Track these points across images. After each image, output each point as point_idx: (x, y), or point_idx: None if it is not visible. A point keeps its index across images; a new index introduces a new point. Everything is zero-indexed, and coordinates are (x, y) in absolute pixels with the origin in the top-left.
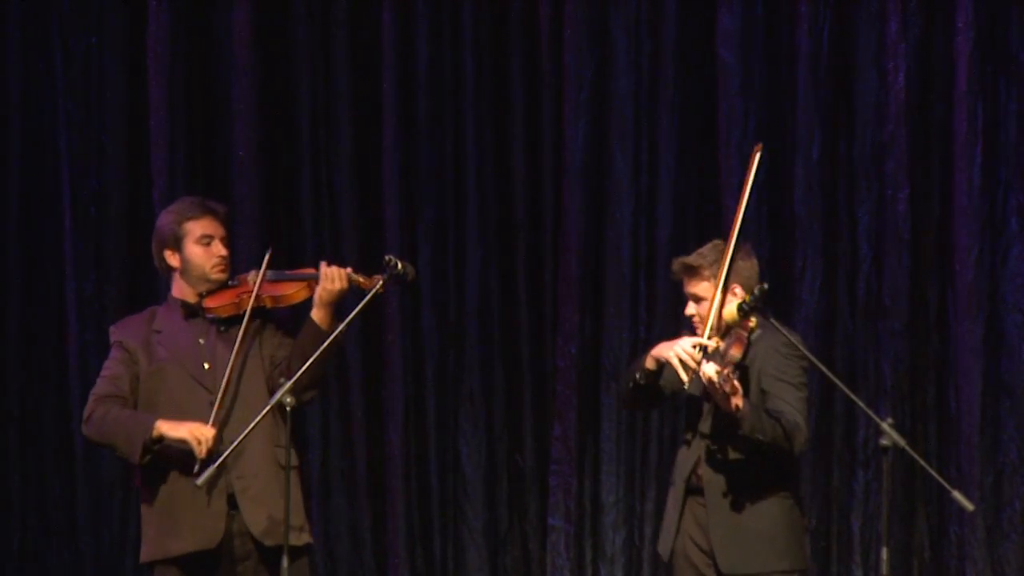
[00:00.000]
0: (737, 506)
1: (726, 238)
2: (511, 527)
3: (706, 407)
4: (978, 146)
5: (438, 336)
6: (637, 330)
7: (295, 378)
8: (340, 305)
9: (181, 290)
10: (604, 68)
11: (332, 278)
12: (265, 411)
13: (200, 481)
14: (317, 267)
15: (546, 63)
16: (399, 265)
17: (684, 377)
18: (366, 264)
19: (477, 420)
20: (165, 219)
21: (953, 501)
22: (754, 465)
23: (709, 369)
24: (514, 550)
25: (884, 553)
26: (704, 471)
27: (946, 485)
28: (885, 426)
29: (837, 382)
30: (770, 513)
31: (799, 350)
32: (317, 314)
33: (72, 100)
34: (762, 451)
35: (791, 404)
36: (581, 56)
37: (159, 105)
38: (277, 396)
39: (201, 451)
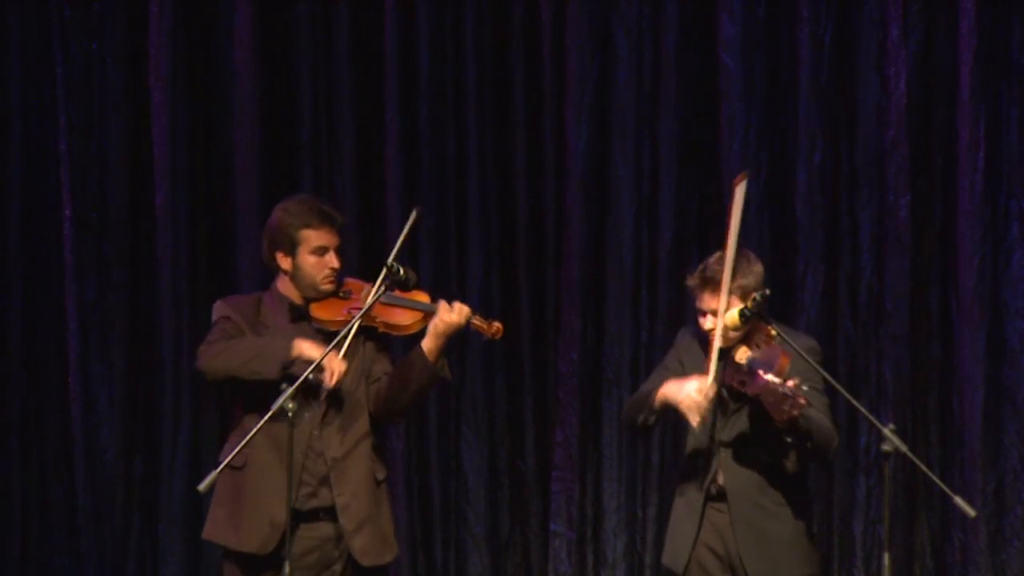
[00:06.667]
0: (762, 513)
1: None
2: (513, 533)
3: (724, 416)
4: (980, 151)
5: None
6: (639, 336)
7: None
8: (453, 341)
9: (287, 288)
10: (606, 74)
11: (452, 312)
12: (267, 417)
13: (202, 486)
14: (429, 294)
15: (548, 68)
16: (401, 270)
17: (694, 423)
18: (366, 267)
19: (479, 426)
20: (283, 220)
21: (955, 507)
22: (777, 472)
23: (774, 380)
24: (516, 556)
25: (886, 559)
26: (726, 479)
27: (948, 491)
28: (887, 432)
29: (839, 387)
30: (792, 519)
31: (820, 356)
32: (427, 344)
33: (73, 104)
34: (801, 457)
35: (820, 409)
36: (583, 62)
37: (160, 109)
38: (279, 402)
39: (331, 381)
